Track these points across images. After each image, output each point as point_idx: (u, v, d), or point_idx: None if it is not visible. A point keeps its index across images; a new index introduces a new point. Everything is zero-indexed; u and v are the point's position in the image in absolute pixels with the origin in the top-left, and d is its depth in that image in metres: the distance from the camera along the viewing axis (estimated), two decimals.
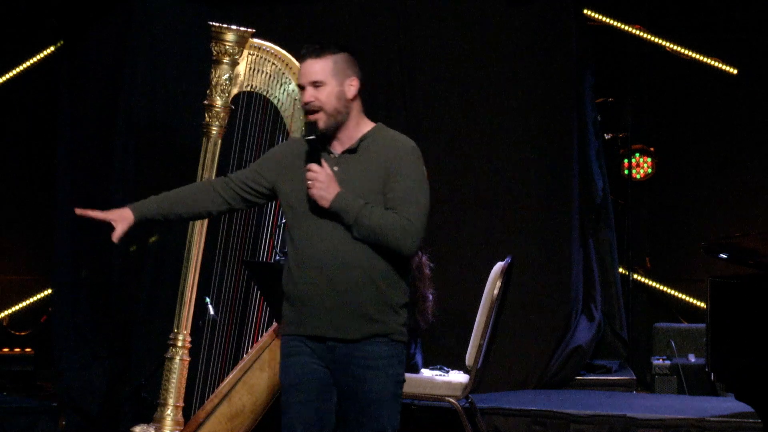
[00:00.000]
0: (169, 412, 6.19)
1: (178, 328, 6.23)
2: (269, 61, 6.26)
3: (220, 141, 6.27)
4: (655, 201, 8.93)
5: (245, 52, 6.26)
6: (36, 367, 8.46)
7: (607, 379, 7.96)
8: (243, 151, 6.30)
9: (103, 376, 7.78)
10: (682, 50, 8.73)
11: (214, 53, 6.27)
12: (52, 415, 7.40)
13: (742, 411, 6.61)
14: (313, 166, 4.47)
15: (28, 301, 8.79)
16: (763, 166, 8.60)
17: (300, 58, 4.58)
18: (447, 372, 6.61)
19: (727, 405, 6.94)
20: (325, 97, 4.51)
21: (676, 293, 8.77)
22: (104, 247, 7.95)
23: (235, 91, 6.28)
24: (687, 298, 8.72)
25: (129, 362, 7.75)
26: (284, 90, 6.24)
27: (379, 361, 4.48)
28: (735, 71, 8.66)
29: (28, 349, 8.54)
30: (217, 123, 6.26)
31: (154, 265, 7.83)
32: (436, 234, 7.57)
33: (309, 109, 4.53)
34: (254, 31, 6.31)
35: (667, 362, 8.07)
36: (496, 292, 6.33)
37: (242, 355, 6.29)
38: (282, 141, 6.26)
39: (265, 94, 6.27)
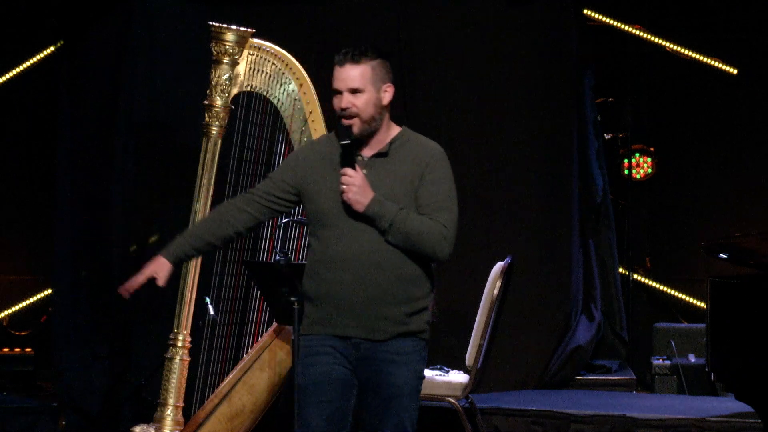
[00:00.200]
0: (169, 412, 6.19)
1: (178, 328, 6.23)
2: (269, 61, 6.26)
3: (220, 141, 6.27)
4: (655, 201, 8.93)
5: (245, 52, 6.26)
6: (36, 367, 8.45)
7: (607, 379, 7.96)
8: (243, 151, 6.30)
9: (103, 376, 7.78)
10: (682, 50, 8.73)
11: (214, 53, 6.26)
12: (52, 415, 7.41)
13: (742, 411, 6.61)
14: (349, 171, 4.47)
15: (28, 301, 8.79)
16: (763, 166, 8.60)
17: (337, 63, 4.56)
18: (447, 372, 6.61)
19: (727, 405, 6.94)
20: (363, 104, 4.52)
21: (676, 293, 8.77)
22: (104, 247, 7.96)
23: (235, 91, 6.28)
24: (687, 298, 8.72)
25: (129, 362, 7.74)
26: (284, 90, 6.24)
27: (403, 356, 4.52)
28: (735, 71, 8.65)
29: (28, 349, 8.54)
30: (217, 123, 6.26)
31: None
32: None
33: (345, 115, 4.53)
34: (254, 31, 6.31)
35: (667, 362, 8.07)
36: (496, 292, 6.33)
37: (242, 355, 6.29)
38: (282, 141, 6.26)
39: (265, 94, 6.27)
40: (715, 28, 8.72)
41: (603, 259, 8.23)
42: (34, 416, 7.33)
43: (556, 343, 7.86)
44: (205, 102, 6.27)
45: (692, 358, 8.06)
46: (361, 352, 4.52)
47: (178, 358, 6.20)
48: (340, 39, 7.78)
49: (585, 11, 8.34)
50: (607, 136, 8.70)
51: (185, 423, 6.20)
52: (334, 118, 6.19)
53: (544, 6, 7.96)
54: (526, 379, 7.84)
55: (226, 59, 6.24)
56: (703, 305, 8.24)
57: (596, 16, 8.64)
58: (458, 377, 6.49)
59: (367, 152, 4.57)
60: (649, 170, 8.88)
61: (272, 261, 6.21)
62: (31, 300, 8.78)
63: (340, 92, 4.55)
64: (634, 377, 7.97)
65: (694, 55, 8.70)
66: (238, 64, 6.26)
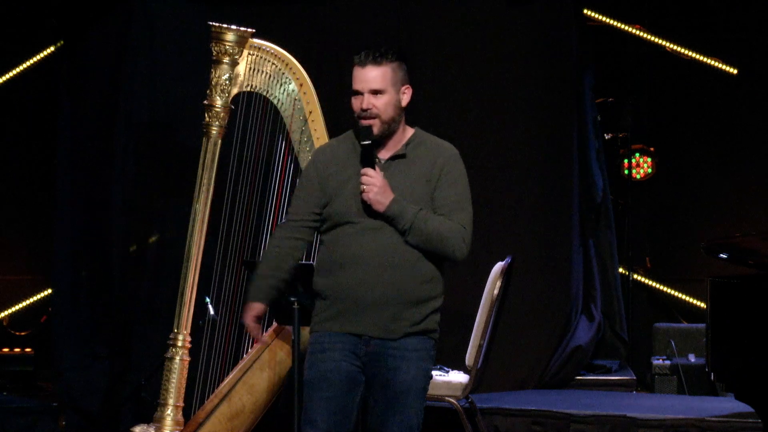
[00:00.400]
0: (169, 412, 6.18)
1: (178, 328, 6.23)
2: (269, 61, 6.26)
3: (220, 141, 6.26)
4: (655, 201, 8.93)
5: (245, 52, 6.26)
6: (36, 367, 8.45)
7: (607, 379, 7.96)
8: (243, 151, 6.30)
9: (103, 376, 7.78)
10: (682, 50, 8.73)
11: (214, 53, 6.26)
12: (52, 415, 7.40)
13: (742, 411, 6.61)
14: (369, 171, 4.51)
15: (28, 301, 8.79)
16: (763, 166, 8.60)
17: (357, 63, 4.59)
18: (447, 372, 6.61)
19: (727, 405, 6.94)
20: (383, 105, 4.57)
21: (676, 293, 8.77)
22: (104, 247, 7.96)
23: (235, 91, 6.28)
24: (687, 298, 8.72)
25: (129, 362, 7.74)
26: (284, 90, 6.24)
27: (413, 353, 4.57)
28: (735, 71, 8.65)
29: (28, 349, 8.54)
30: (217, 123, 6.26)
31: (154, 265, 7.83)
32: None
33: (365, 116, 4.56)
34: (254, 31, 6.30)
35: (667, 362, 8.07)
36: (496, 292, 6.33)
37: (242, 355, 6.29)
38: (282, 141, 6.26)
39: (265, 94, 6.27)
40: (715, 28, 8.73)
41: (603, 259, 8.23)
42: (34, 416, 7.33)
43: (556, 343, 7.86)
44: (205, 102, 6.27)
45: (692, 358, 8.06)
46: (371, 348, 4.55)
47: (178, 358, 6.20)
48: (340, 39, 7.79)
49: (585, 11, 8.33)
50: (607, 136, 8.70)
51: (185, 423, 6.20)
52: (333, 119, 6.23)
53: (544, 6, 7.96)
54: (526, 379, 7.84)
55: (226, 59, 6.24)
56: (703, 305, 8.24)
57: (596, 16, 8.64)
58: (458, 377, 6.49)
59: (384, 154, 4.62)
60: (649, 170, 8.88)
61: None
62: (31, 300, 8.78)
63: (360, 93, 4.57)
64: (634, 377, 7.97)
65: (694, 55, 8.70)
66: (238, 64, 6.26)
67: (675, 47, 8.73)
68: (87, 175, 8.03)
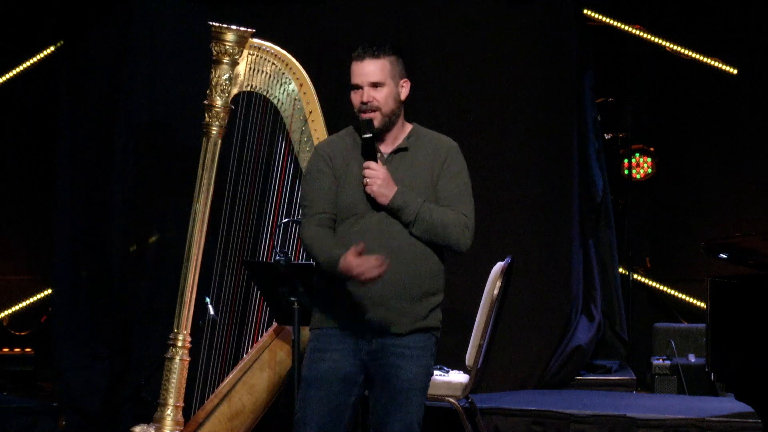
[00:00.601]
0: (169, 412, 6.19)
1: (178, 328, 6.23)
2: (269, 61, 6.26)
3: (220, 141, 6.27)
4: (655, 201, 8.93)
5: (245, 52, 6.26)
6: (36, 367, 8.45)
7: (607, 379, 7.96)
8: (243, 151, 6.30)
9: (103, 376, 7.78)
10: (682, 50, 8.73)
11: (214, 53, 6.27)
12: (52, 415, 7.40)
13: (742, 411, 6.61)
14: (372, 164, 4.52)
15: (28, 301, 8.79)
16: (763, 166, 8.60)
17: (356, 58, 4.61)
18: (447, 372, 6.61)
19: (727, 405, 6.94)
20: (383, 98, 4.59)
21: (676, 293, 8.77)
22: (104, 247, 7.96)
23: (235, 91, 6.28)
24: (687, 298, 8.72)
25: (129, 362, 7.74)
26: (284, 90, 6.25)
27: (414, 351, 4.58)
28: (735, 71, 8.65)
29: (28, 349, 8.54)
30: (217, 123, 6.26)
31: (154, 265, 7.83)
32: None
33: (366, 109, 4.57)
34: (254, 31, 6.31)
35: (668, 362, 8.06)
36: (496, 292, 6.33)
37: (242, 355, 6.29)
38: (282, 141, 6.26)
39: (265, 94, 6.27)
40: (715, 28, 8.72)
41: (603, 259, 8.23)
42: (34, 416, 7.33)
43: (556, 343, 7.86)
44: (205, 102, 6.27)
45: (692, 358, 8.06)
46: (373, 346, 4.55)
47: (178, 358, 6.20)
48: (340, 39, 7.79)
49: (585, 11, 8.33)
50: (607, 136, 8.70)
51: (185, 423, 6.20)
52: (333, 119, 6.23)
53: (544, 6, 7.96)
54: (526, 379, 7.84)
55: (226, 59, 6.24)
56: (703, 305, 8.24)
57: (596, 16, 8.64)
58: (458, 377, 6.49)
59: (386, 148, 4.64)
60: (649, 170, 8.88)
61: (272, 261, 6.22)
62: (31, 300, 8.78)
63: (359, 87, 4.58)
64: (634, 377, 7.96)
65: (694, 55, 8.70)
66: (238, 64, 6.26)
67: (675, 47, 8.73)
68: (87, 175, 8.03)
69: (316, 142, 6.14)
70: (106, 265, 7.95)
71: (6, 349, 8.55)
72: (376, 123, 4.59)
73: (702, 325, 7.53)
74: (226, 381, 6.22)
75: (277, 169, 6.27)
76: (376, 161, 4.55)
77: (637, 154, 8.86)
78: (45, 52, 8.60)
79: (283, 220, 6.20)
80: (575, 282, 7.98)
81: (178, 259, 6.30)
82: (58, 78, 8.14)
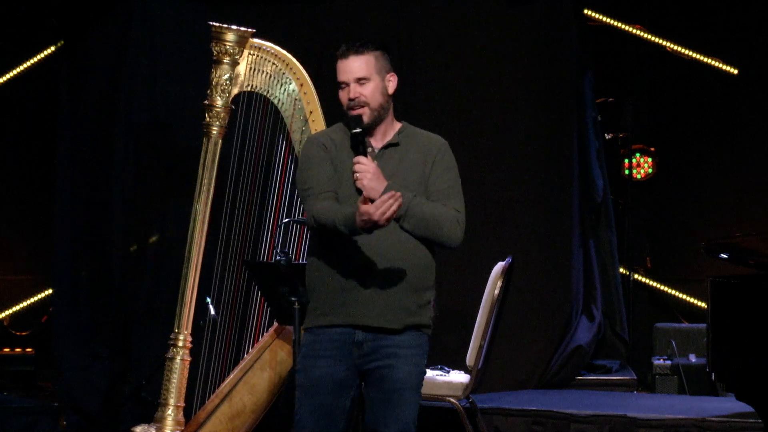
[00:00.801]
0: (169, 412, 6.19)
1: (178, 328, 6.23)
2: (269, 61, 6.27)
3: (220, 141, 6.27)
4: (655, 201, 8.93)
5: (245, 52, 6.26)
6: (36, 367, 8.45)
7: (607, 379, 7.95)
8: (243, 151, 6.30)
9: (103, 376, 7.78)
10: (682, 50, 8.73)
11: (215, 53, 6.27)
12: (53, 415, 7.40)
13: (742, 411, 6.61)
14: (362, 159, 4.53)
15: (28, 301, 8.79)
16: (763, 166, 8.60)
17: (340, 56, 4.62)
18: (448, 372, 6.61)
19: (727, 405, 6.94)
20: (370, 92, 4.60)
21: (677, 293, 8.77)
22: (104, 247, 7.96)
23: (235, 91, 6.28)
24: (687, 298, 8.72)
25: (129, 362, 7.74)
26: (284, 90, 6.25)
27: (407, 350, 4.57)
28: (735, 71, 8.65)
29: (28, 349, 8.54)
30: (217, 123, 6.26)
31: (154, 265, 7.83)
32: None
33: (354, 105, 4.59)
34: (254, 31, 6.31)
35: (668, 362, 8.07)
36: (496, 292, 6.33)
37: (243, 355, 6.29)
38: (282, 141, 6.26)
39: (265, 94, 6.27)
40: (715, 28, 8.72)
41: (603, 259, 8.23)
42: (34, 416, 7.33)
43: (557, 343, 7.86)
44: (206, 102, 6.27)
45: (693, 358, 8.06)
46: (364, 349, 4.54)
47: (178, 358, 6.20)
48: (340, 39, 7.68)
49: (585, 11, 8.33)
50: (607, 136, 8.70)
51: (186, 423, 6.20)
52: (334, 119, 6.22)
53: (544, 6, 7.96)
54: (526, 379, 7.84)
55: (227, 59, 6.24)
56: (703, 305, 8.25)
57: (596, 16, 8.64)
58: (459, 377, 6.49)
59: (377, 143, 4.66)
60: (650, 170, 8.88)
61: (273, 261, 6.22)
62: (31, 300, 8.78)
63: (346, 84, 4.59)
64: (635, 377, 7.96)
65: (694, 55, 8.70)
66: (238, 64, 6.26)
67: (675, 47, 8.73)
68: (87, 175, 8.03)
69: None
70: (106, 265, 7.95)
71: (6, 349, 8.55)
72: (366, 119, 4.60)
73: (702, 325, 7.53)
74: (226, 381, 6.22)
75: (278, 169, 6.27)
76: (366, 156, 4.55)
77: (638, 154, 8.86)
78: (45, 52, 8.60)
79: (284, 221, 6.20)
80: (575, 282, 7.98)
81: (179, 259, 6.30)
82: (58, 78, 8.14)
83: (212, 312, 6.31)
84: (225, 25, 6.26)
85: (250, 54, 6.27)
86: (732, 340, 5.48)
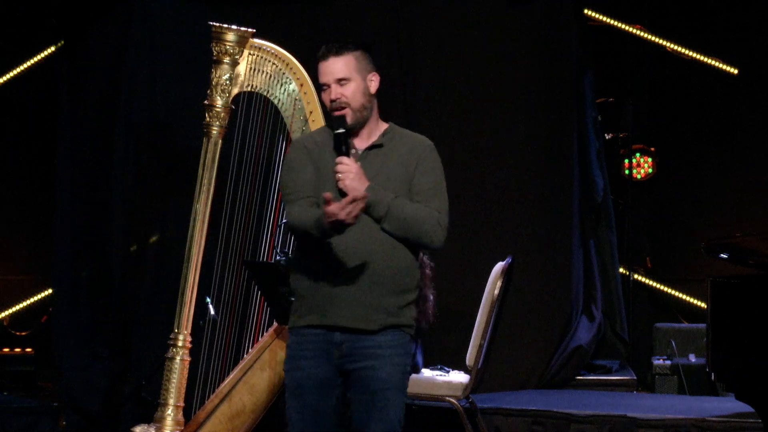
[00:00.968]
0: (169, 412, 6.18)
1: (178, 328, 6.23)
2: (269, 61, 6.26)
3: (220, 141, 6.27)
4: (655, 201, 8.93)
5: (245, 52, 6.26)
6: (36, 367, 8.45)
7: (607, 379, 7.96)
8: (243, 151, 6.30)
9: (103, 376, 7.78)
10: (682, 50, 8.73)
11: (215, 53, 6.26)
12: (53, 415, 7.40)
13: (742, 411, 6.61)
14: (344, 159, 4.53)
15: (28, 301, 8.79)
16: (763, 166, 8.60)
17: (320, 58, 4.62)
18: (447, 372, 6.62)
19: (727, 405, 6.94)
20: (351, 93, 4.59)
21: (677, 293, 8.77)
22: (104, 247, 7.96)
23: (235, 91, 6.28)
24: (687, 298, 8.72)
25: (129, 362, 7.74)
26: (284, 90, 6.25)
27: (388, 349, 4.54)
28: (735, 71, 8.65)
29: (28, 349, 8.54)
30: (217, 123, 6.26)
31: (154, 265, 7.83)
32: None
33: (336, 107, 4.59)
34: (254, 31, 6.31)
35: (668, 362, 8.07)
36: (496, 292, 6.33)
37: (243, 355, 6.29)
38: (282, 141, 6.26)
39: (265, 94, 6.27)
40: (715, 28, 8.73)
41: (603, 259, 8.23)
42: (34, 416, 7.33)
43: (557, 343, 7.86)
44: (206, 102, 6.27)
45: (693, 358, 8.06)
46: (344, 350, 4.54)
47: (178, 358, 6.20)
48: (340, 39, 7.77)
49: (585, 11, 8.33)
50: (607, 136, 8.70)
51: (185, 423, 6.20)
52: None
53: (544, 6, 7.96)
54: (526, 379, 7.84)
55: (227, 59, 6.24)
56: (703, 305, 8.25)
57: (596, 16, 8.64)
58: (459, 377, 6.49)
59: (361, 144, 4.64)
60: (650, 170, 8.88)
61: (272, 261, 6.22)
62: (32, 300, 8.78)
63: (327, 86, 4.61)
64: (635, 377, 7.97)
65: (694, 55, 8.70)
66: (238, 64, 6.26)
67: (675, 47, 8.73)
68: (87, 175, 8.04)
69: None
70: (106, 265, 7.95)
71: (6, 349, 8.55)
72: (349, 119, 4.59)
73: (702, 325, 7.52)
74: (226, 381, 6.22)
75: (278, 169, 6.26)
76: (349, 156, 4.55)
77: (638, 154, 8.86)
78: (45, 52, 8.60)
79: (284, 221, 6.19)
80: (575, 282, 7.98)
81: (179, 259, 6.30)
82: (58, 78, 8.15)
83: (212, 312, 6.31)
84: (225, 25, 6.26)
85: (250, 54, 6.27)
86: (732, 340, 5.48)
